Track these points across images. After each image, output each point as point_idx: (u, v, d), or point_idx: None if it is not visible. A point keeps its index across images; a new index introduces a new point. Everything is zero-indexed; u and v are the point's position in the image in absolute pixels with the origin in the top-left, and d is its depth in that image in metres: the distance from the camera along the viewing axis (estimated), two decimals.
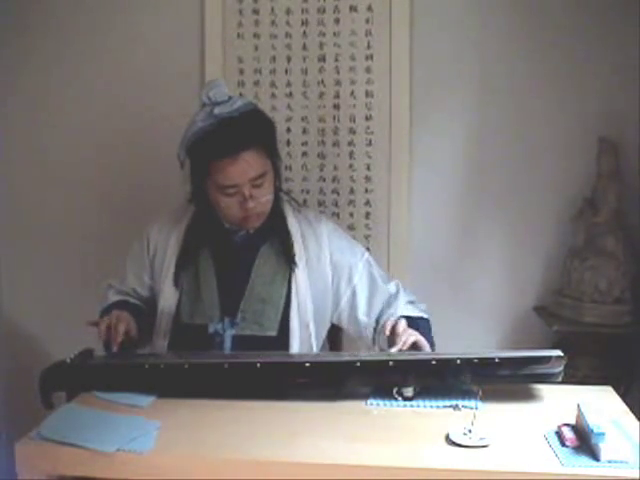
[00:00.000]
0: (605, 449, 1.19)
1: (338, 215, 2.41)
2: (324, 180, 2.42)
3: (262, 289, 1.75)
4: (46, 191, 2.55)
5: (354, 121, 2.38)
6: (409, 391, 1.47)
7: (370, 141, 2.38)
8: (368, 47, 2.35)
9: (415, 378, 1.48)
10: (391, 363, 1.48)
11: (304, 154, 2.41)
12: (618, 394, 1.53)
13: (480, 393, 1.43)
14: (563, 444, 1.26)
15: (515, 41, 2.30)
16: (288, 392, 1.49)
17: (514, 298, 2.39)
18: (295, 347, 1.74)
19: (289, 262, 1.77)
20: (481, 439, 1.27)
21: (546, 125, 2.33)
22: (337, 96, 2.38)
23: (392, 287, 1.83)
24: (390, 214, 2.39)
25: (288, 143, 2.39)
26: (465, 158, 2.38)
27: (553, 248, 2.36)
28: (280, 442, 1.30)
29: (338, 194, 2.42)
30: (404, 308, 1.77)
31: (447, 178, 2.39)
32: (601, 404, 1.35)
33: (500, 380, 1.49)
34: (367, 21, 2.34)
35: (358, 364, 1.49)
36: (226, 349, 1.71)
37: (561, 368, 1.46)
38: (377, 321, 1.80)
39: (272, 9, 2.38)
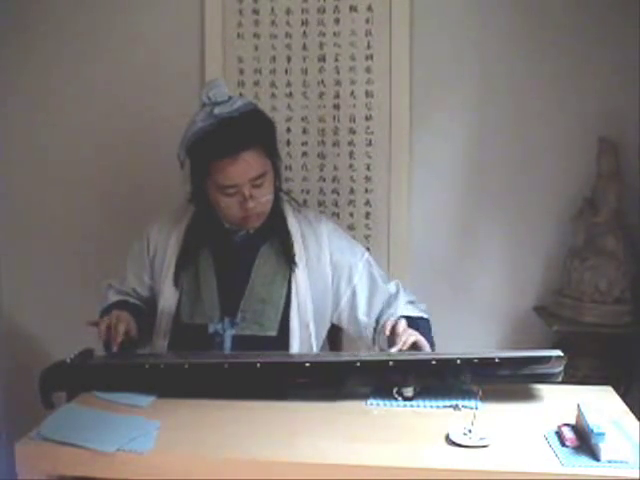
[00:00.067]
0: (605, 449, 1.19)
1: (338, 215, 2.41)
2: (324, 180, 2.42)
3: (262, 289, 1.75)
4: (46, 191, 2.55)
5: (354, 121, 2.38)
6: (409, 391, 1.47)
7: (370, 141, 2.38)
8: (368, 47, 2.35)
9: (415, 378, 1.48)
10: (391, 363, 1.48)
11: (304, 154, 2.41)
12: (618, 394, 1.53)
13: (480, 393, 1.43)
14: (563, 444, 1.26)
15: (515, 41, 2.30)
16: (288, 392, 1.49)
17: (514, 298, 2.39)
18: (295, 347, 1.74)
19: (289, 262, 1.77)
20: (481, 439, 1.27)
21: (546, 125, 2.32)
22: (337, 96, 2.38)
23: (392, 287, 1.83)
24: (390, 214, 2.39)
25: (288, 143, 2.39)
26: (465, 158, 2.38)
27: (553, 248, 2.36)
28: (280, 442, 1.30)
29: (338, 194, 2.42)
30: (404, 308, 1.77)
31: (447, 178, 2.39)
32: (601, 404, 1.35)
33: (500, 380, 1.49)
34: (367, 21, 2.34)
35: (358, 364, 1.49)
36: (226, 349, 1.71)
37: (561, 368, 1.46)
38: (377, 321, 1.80)
39: (272, 9, 2.38)
